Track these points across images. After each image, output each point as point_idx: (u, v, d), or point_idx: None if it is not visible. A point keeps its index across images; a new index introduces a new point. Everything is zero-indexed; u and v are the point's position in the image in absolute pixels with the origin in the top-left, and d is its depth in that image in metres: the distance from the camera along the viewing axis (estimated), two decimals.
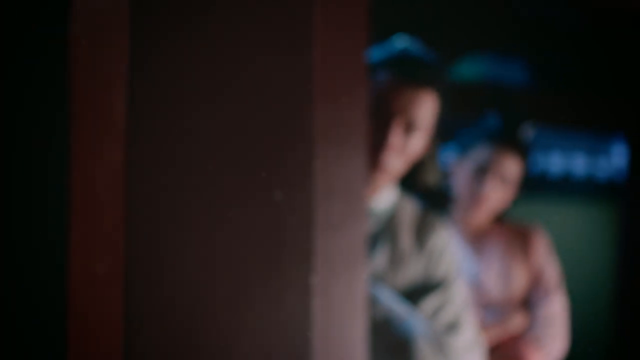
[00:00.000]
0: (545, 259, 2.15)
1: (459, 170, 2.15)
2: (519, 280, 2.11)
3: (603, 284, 5.00)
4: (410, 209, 1.73)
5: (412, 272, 1.65)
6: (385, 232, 1.67)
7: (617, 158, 5.72)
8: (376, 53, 1.65)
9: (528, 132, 2.15)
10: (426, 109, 1.61)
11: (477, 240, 2.17)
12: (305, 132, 1.17)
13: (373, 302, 1.57)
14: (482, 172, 2.08)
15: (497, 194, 2.09)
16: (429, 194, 1.77)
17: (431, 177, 1.76)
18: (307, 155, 1.16)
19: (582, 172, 5.69)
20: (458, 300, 1.67)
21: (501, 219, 2.22)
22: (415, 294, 1.65)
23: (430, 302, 1.63)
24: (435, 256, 1.68)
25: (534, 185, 5.44)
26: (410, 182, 1.78)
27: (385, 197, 1.70)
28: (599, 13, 4.42)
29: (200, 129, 1.07)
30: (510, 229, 2.19)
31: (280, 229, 1.10)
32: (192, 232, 1.06)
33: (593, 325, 4.95)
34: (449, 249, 1.71)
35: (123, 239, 0.99)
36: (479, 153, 2.11)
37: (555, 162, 5.62)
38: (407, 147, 1.61)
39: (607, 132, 5.27)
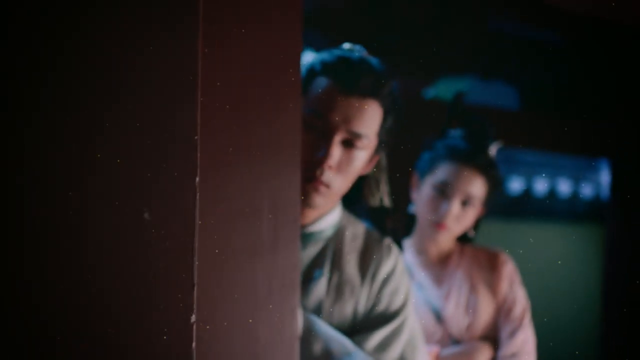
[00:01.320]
0: (513, 288, 1.96)
1: (421, 189, 1.97)
2: (485, 312, 1.92)
3: (589, 304, 4.89)
4: (356, 231, 1.55)
5: (356, 302, 1.47)
6: (326, 257, 1.49)
7: (600, 180, 5.62)
8: (317, 59, 1.49)
9: (493, 150, 1.98)
10: (369, 121, 1.44)
11: (439, 265, 1.99)
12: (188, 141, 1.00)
13: (310, 336, 1.39)
14: (444, 191, 1.91)
15: (460, 215, 1.92)
16: (379, 214, 1.60)
17: (378, 196, 1.59)
18: (189, 171, 0.98)
19: (566, 194, 5.58)
20: (407, 335, 1.48)
21: (466, 242, 2.05)
22: (358, 327, 1.47)
23: (375, 337, 1.44)
24: (384, 285, 1.50)
25: (519, 206, 5.37)
26: (355, 201, 1.61)
27: (327, 218, 1.52)
28: (585, 38, 4.30)
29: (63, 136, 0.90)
30: (475, 254, 2.00)
31: (154, 257, 0.91)
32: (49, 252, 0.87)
33: (580, 344, 4.84)
34: (400, 277, 1.52)
35: None
36: (442, 171, 1.93)
37: (540, 184, 5.51)
38: (348, 162, 1.43)
39: (590, 155, 5.18)
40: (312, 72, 1.46)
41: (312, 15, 3.58)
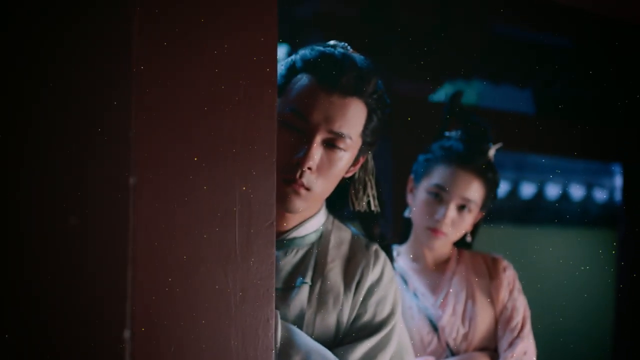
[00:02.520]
0: (513, 295, 1.84)
1: (416, 193, 1.87)
2: (483, 321, 1.80)
3: (602, 307, 4.78)
4: (342, 237, 1.45)
5: (339, 312, 1.37)
6: (308, 264, 1.39)
7: (613, 184, 5.48)
8: (299, 55, 1.40)
9: (492, 152, 1.88)
10: (352, 120, 1.34)
11: (435, 272, 1.88)
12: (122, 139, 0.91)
13: (289, 349, 1.29)
14: (440, 195, 1.81)
15: (456, 220, 1.81)
16: (367, 219, 1.50)
17: (364, 200, 1.49)
18: (122, 171, 0.89)
19: (579, 198, 5.45)
20: (394, 347, 1.38)
21: (464, 247, 1.94)
22: (342, 338, 1.37)
23: (359, 349, 1.34)
24: (369, 294, 1.40)
25: (531, 211, 5.25)
26: (343, 205, 1.51)
27: (310, 222, 1.43)
28: (595, 40, 4.19)
29: None
30: (473, 260, 1.89)
31: (81, 266, 0.82)
32: None
33: (593, 346, 4.73)
34: (387, 285, 1.42)
35: None
36: (437, 174, 1.82)
37: (552, 188, 5.38)
38: (330, 163, 1.33)
39: (603, 160, 5.06)
40: (293, 68, 1.37)
41: (314, 19, 3.50)
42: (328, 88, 1.32)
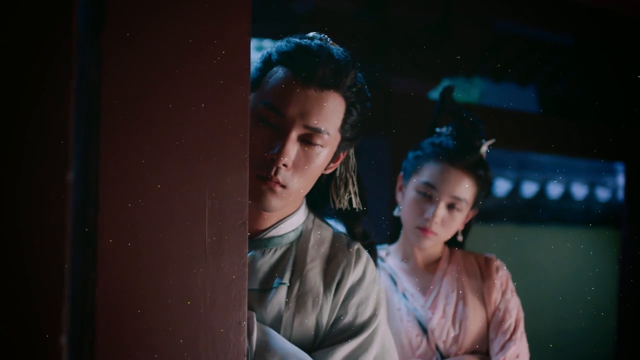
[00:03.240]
0: (505, 296, 1.77)
1: (406, 191, 1.80)
2: (474, 323, 1.72)
3: (604, 306, 4.72)
4: (323, 236, 1.38)
5: (319, 314, 1.30)
6: (287, 264, 1.33)
7: (616, 183, 5.40)
8: (275, 47, 1.33)
9: (484, 149, 1.80)
10: (329, 115, 1.26)
11: (426, 272, 1.80)
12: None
13: (265, 352, 1.23)
14: (428, 194, 1.73)
15: (447, 219, 1.75)
16: (349, 217, 1.43)
17: (345, 197, 1.42)
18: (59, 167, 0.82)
19: (581, 197, 5.37)
20: (376, 349, 1.31)
21: (456, 247, 1.87)
22: (322, 341, 1.30)
23: (339, 352, 1.26)
24: (350, 295, 1.32)
25: (533, 209, 5.18)
26: (323, 203, 1.44)
27: (289, 221, 1.36)
28: (600, 41, 4.10)
29: None
30: (465, 260, 1.81)
31: (17, 267, 0.75)
32: None
33: (596, 345, 4.66)
34: (369, 286, 1.35)
35: None
36: (426, 172, 1.74)
37: (554, 187, 5.30)
38: (306, 160, 1.26)
39: (605, 158, 4.97)
40: (269, 61, 1.31)
41: (312, 17, 3.43)
42: (304, 81, 1.25)
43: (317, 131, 1.25)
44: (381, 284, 1.75)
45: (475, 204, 1.78)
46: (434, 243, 1.76)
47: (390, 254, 1.84)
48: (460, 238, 1.82)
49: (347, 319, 1.31)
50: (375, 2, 3.45)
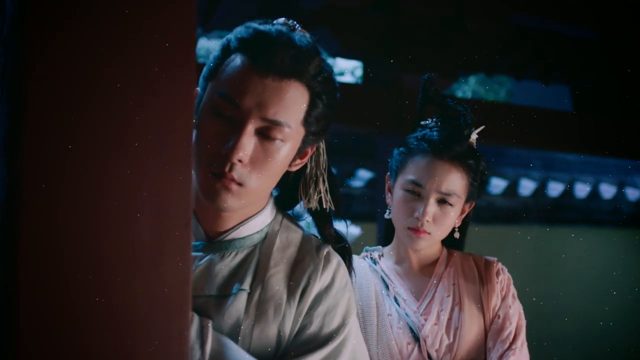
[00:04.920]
0: (505, 302, 1.60)
1: (394, 191, 1.64)
2: (470, 331, 1.56)
3: (632, 309, 4.52)
4: (290, 238, 1.25)
5: (281, 323, 1.17)
6: (247, 270, 1.19)
7: None
8: (233, 34, 1.20)
9: (473, 137, 1.65)
10: (290, 106, 1.13)
11: (421, 275, 1.65)
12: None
13: None
14: (416, 191, 1.58)
15: (439, 217, 1.59)
16: (320, 217, 1.30)
17: (315, 196, 1.28)
18: None
19: (610, 197, 5.15)
20: None
21: (454, 248, 1.71)
22: (284, 353, 1.17)
23: None
24: (316, 303, 1.19)
25: (560, 210, 4.98)
26: (292, 203, 1.31)
27: (252, 222, 1.23)
28: (626, 35, 3.90)
29: None
30: (463, 262, 1.65)
31: None
32: None
33: (623, 347, 4.47)
34: (339, 293, 1.21)
35: None
36: (412, 168, 1.59)
37: (582, 186, 5.09)
38: (265, 156, 1.13)
39: (636, 157, 4.75)
40: (227, 48, 1.18)
41: (322, 13, 3.31)
42: (261, 70, 1.12)
43: (275, 124, 1.12)
44: (372, 288, 1.61)
45: (469, 197, 1.63)
46: (429, 243, 1.61)
47: (383, 255, 1.70)
48: (457, 235, 1.66)
49: (312, 329, 1.18)
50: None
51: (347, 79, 5.29)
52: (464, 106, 1.65)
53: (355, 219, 3.56)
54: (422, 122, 1.66)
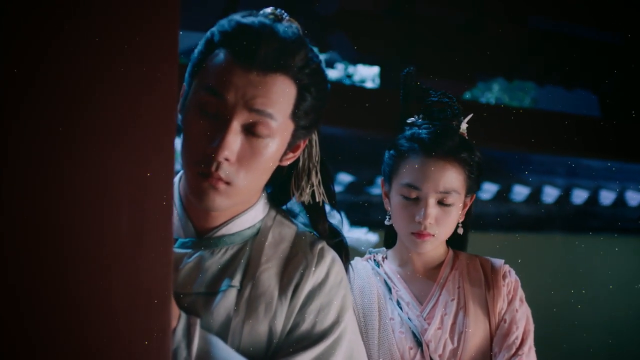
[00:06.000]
0: (512, 306, 1.54)
1: (391, 197, 1.58)
2: (475, 335, 1.51)
3: None
4: (283, 234, 1.21)
5: (272, 320, 1.13)
6: (238, 266, 1.16)
7: None
8: (217, 27, 1.17)
9: (463, 127, 1.59)
10: (276, 100, 1.10)
11: (425, 278, 1.60)
12: None
13: None
14: (413, 194, 1.53)
15: (440, 217, 1.53)
16: (313, 212, 1.26)
17: (307, 190, 1.24)
18: None
19: (636, 204, 5.02)
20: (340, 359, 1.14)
21: (458, 245, 1.65)
22: (276, 352, 1.13)
23: None
24: (309, 299, 1.15)
25: (584, 217, 4.87)
26: (285, 198, 1.28)
27: (242, 218, 1.20)
28: None
29: None
30: (470, 264, 1.60)
31: None
32: None
33: None
34: (333, 289, 1.17)
35: None
36: (406, 171, 1.53)
37: (607, 193, 4.97)
38: (253, 152, 1.10)
39: None
40: (211, 43, 1.15)
41: (338, 18, 3.28)
42: (245, 64, 1.09)
43: (262, 114, 1.09)
44: (374, 291, 1.56)
45: (469, 190, 1.58)
46: (434, 245, 1.56)
47: (387, 258, 1.66)
48: (460, 230, 1.61)
49: (305, 326, 1.14)
50: (401, 1, 3.27)
51: (368, 85, 5.25)
52: (448, 96, 1.60)
53: (373, 227, 3.52)
54: (409, 121, 1.60)
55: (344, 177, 4.21)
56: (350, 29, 3.25)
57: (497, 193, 4.52)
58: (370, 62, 3.82)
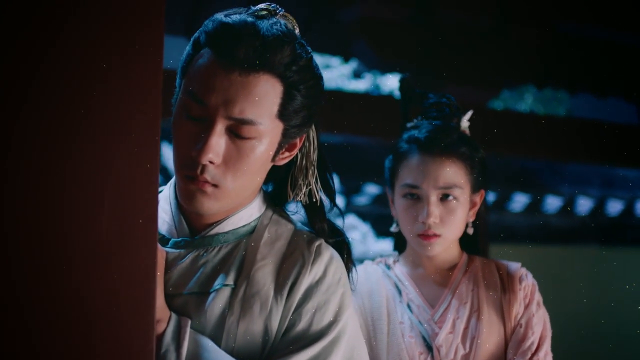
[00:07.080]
0: (529, 310, 1.48)
1: (396, 202, 1.55)
2: (489, 341, 1.44)
3: None
4: (280, 232, 1.18)
5: (267, 320, 1.10)
6: (232, 264, 1.12)
7: None
8: (202, 28, 1.14)
9: (464, 124, 1.56)
10: (259, 101, 1.06)
11: (437, 282, 1.53)
12: None
13: None
14: (415, 194, 1.50)
15: (444, 215, 1.49)
16: (311, 211, 1.22)
17: (304, 189, 1.21)
18: None
19: None
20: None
21: (473, 252, 1.60)
22: (271, 352, 1.09)
23: None
24: (306, 298, 1.11)
25: (619, 229, 4.74)
26: (282, 197, 1.24)
27: (237, 216, 1.17)
28: None
29: None
30: (485, 268, 1.54)
31: None
32: None
33: None
34: (331, 288, 1.13)
35: None
36: (405, 172, 1.51)
37: None
38: (239, 155, 1.08)
39: None
40: (198, 44, 1.12)
41: (361, 25, 3.25)
42: (227, 64, 1.06)
43: (244, 122, 1.06)
44: (383, 294, 1.52)
45: (474, 187, 1.53)
46: (443, 247, 1.51)
47: (399, 261, 1.61)
48: (470, 230, 1.56)
49: (301, 325, 1.10)
50: (423, 8, 3.23)
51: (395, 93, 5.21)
52: (447, 97, 1.58)
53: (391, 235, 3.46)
54: (408, 125, 1.58)
55: (372, 189, 4.16)
56: (372, 36, 3.22)
57: (529, 204, 4.43)
58: (392, 70, 3.79)
